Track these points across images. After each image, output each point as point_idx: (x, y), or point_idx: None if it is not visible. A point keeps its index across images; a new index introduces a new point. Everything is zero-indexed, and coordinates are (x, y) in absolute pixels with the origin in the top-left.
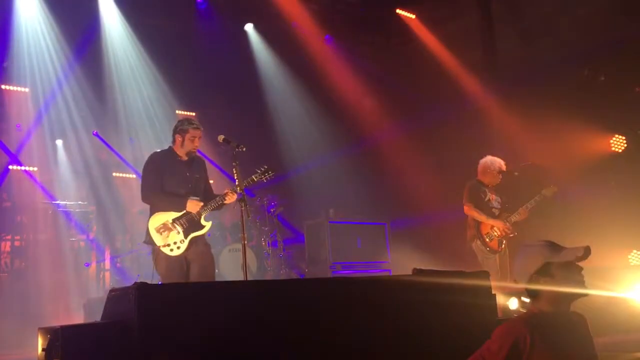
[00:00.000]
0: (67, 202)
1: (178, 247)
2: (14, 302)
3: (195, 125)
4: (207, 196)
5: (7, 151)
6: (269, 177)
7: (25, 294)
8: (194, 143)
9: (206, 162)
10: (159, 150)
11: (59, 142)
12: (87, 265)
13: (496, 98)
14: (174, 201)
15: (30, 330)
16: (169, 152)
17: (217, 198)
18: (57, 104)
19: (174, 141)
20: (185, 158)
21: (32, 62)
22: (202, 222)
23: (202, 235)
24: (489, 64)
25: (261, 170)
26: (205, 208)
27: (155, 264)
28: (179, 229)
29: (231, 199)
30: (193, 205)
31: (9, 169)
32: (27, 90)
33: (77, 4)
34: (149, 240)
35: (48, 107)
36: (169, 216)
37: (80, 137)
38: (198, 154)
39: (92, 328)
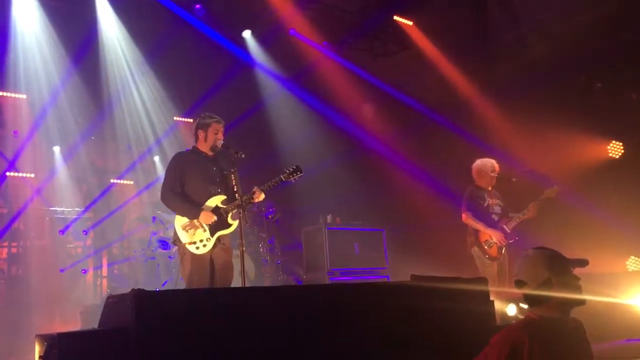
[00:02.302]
0: (65, 209)
1: (204, 245)
2: (11, 309)
3: (216, 119)
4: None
5: (4, 157)
6: (297, 177)
7: (22, 301)
8: (218, 136)
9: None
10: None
11: (56, 149)
12: (85, 272)
13: (494, 104)
14: (187, 209)
15: (27, 338)
16: (193, 150)
17: (245, 196)
18: (54, 111)
19: (197, 138)
20: (211, 153)
21: (30, 68)
22: (229, 220)
23: (228, 236)
24: (486, 70)
25: (289, 170)
26: (232, 206)
27: (181, 265)
28: (206, 226)
29: (259, 197)
30: (206, 217)
31: (6, 176)
32: (24, 96)
33: (74, 10)
34: (176, 239)
35: (45, 114)
36: None
37: (78, 143)
38: (225, 150)
39: (90, 335)
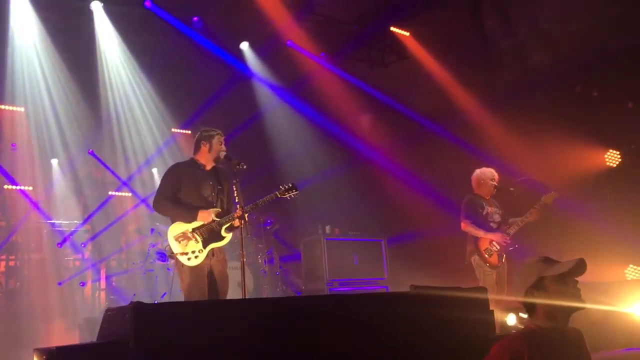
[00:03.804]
0: (63, 222)
1: (196, 257)
2: (9, 322)
3: (218, 132)
4: (231, 208)
5: (2, 170)
6: (293, 195)
7: (20, 314)
8: (222, 146)
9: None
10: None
11: (54, 161)
12: (83, 284)
13: (491, 114)
14: (183, 212)
15: (25, 351)
16: (191, 162)
17: (230, 216)
18: (52, 123)
19: (198, 150)
20: (209, 167)
21: (28, 81)
22: (223, 233)
23: (221, 248)
24: (483, 78)
25: (285, 187)
26: (224, 220)
27: (179, 277)
28: (199, 238)
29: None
30: (204, 216)
31: (3, 188)
32: (22, 109)
33: (73, 23)
34: (169, 251)
35: (43, 127)
36: (189, 225)
37: (76, 156)
38: (227, 161)
39: (88, 348)
